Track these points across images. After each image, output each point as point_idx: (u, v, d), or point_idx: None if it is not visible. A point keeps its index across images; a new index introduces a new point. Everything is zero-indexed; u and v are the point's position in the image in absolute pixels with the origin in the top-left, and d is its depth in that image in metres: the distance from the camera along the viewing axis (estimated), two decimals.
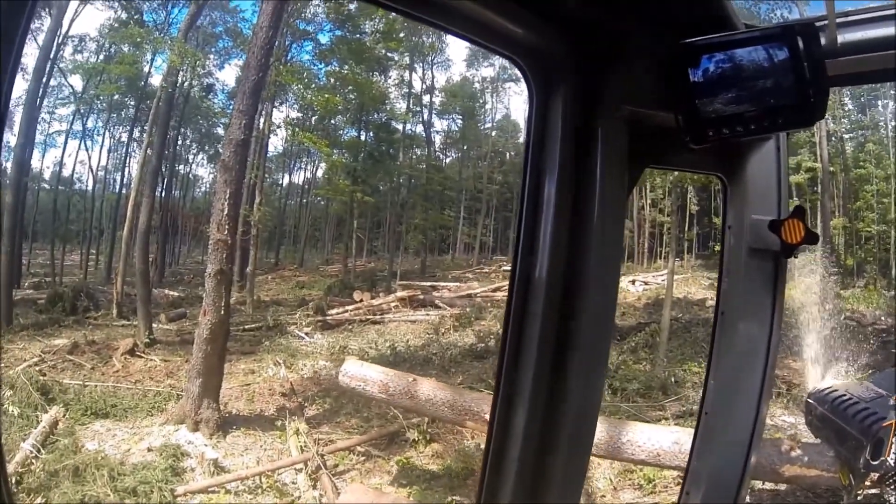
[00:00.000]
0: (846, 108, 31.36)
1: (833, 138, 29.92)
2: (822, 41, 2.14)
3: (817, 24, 2.13)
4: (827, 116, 28.44)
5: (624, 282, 26.38)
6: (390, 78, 34.80)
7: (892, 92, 29.36)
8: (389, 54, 33.61)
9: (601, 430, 8.93)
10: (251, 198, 24.76)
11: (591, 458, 10.62)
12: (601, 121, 1.89)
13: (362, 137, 33.51)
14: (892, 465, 5.29)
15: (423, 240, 35.91)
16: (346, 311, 22.61)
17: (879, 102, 30.90)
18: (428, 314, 22.69)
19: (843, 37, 2.19)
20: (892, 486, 5.43)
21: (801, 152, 28.40)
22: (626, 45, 1.90)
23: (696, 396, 13.51)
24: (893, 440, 5.25)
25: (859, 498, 6.53)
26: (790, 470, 8.00)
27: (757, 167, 2.33)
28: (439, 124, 40.61)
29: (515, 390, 1.86)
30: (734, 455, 2.35)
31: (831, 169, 28.46)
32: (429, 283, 28.55)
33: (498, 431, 1.90)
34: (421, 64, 36.53)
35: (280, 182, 40.62)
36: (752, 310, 2.33)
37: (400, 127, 35.49)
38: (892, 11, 2.21)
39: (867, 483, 5.79)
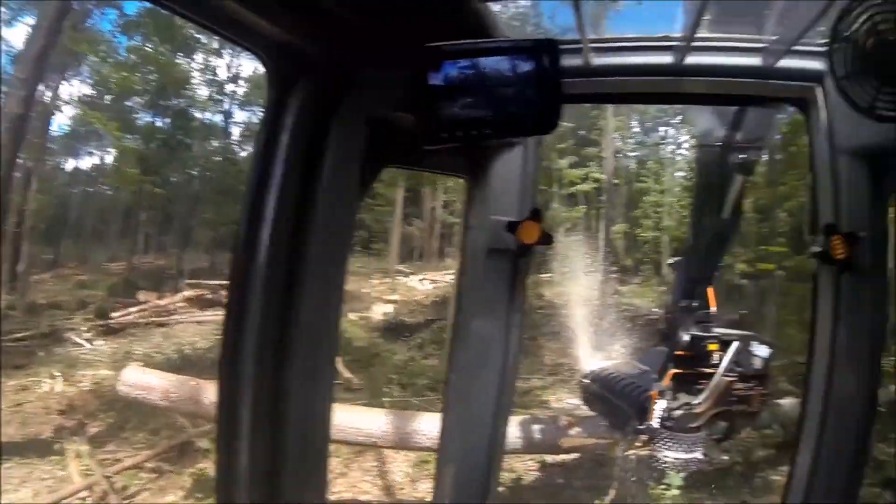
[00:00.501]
0: (632, 130, 34.63)
1: (619, 155, 32.48)
2: (579, 60, 2.41)
3: (572, 44, 2.37)
4: (615, 135, 31.62)
5: (413, 280, 26.68)
6: (195, 61, 31.59)
7: (674, 120, 33.10)
8: (197, 35, 30.17)
9: (388, 424, 9.29)
10: (26, 184, 22.23)
11: (385, 451, 11.00)
12: (338, 119, 1.86)
13: (158, 123, 30.54)
14: (657, 427, 6.12)
15: (215, 236, 32.75)
16: (130, 312, 20.59)
17: (661, 128, 34.25)
18: (216, 314, 20.50)
19: (600, 60, 2.46)
20: (660, 444, 6.25)
21: (590, 164, 30.30)
22: (374, 46, 1.88)
23: None
24: (654, 406, 6.12)
25: (632, 457, 7.56)
26: (569, 441, 9.10)
27: (501, 171, 2.41)
28: (240, 115, 37.50)
29: (238, 386, 1.77)
30: (478, 441, 2.42)
31: (616, 181, 30.75)
32: (218, 282, 25.90)
33: (225, 430, 1.79)
34: (228, 50, 33.20)
35: (63, 167, 35.95)
36: (489, 306, 2.40)
37: (199, 115, 32.37)
38: (640, 43, 2.51)
39: (638, 445, 6.67)
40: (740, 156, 4.32)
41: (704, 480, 8.91)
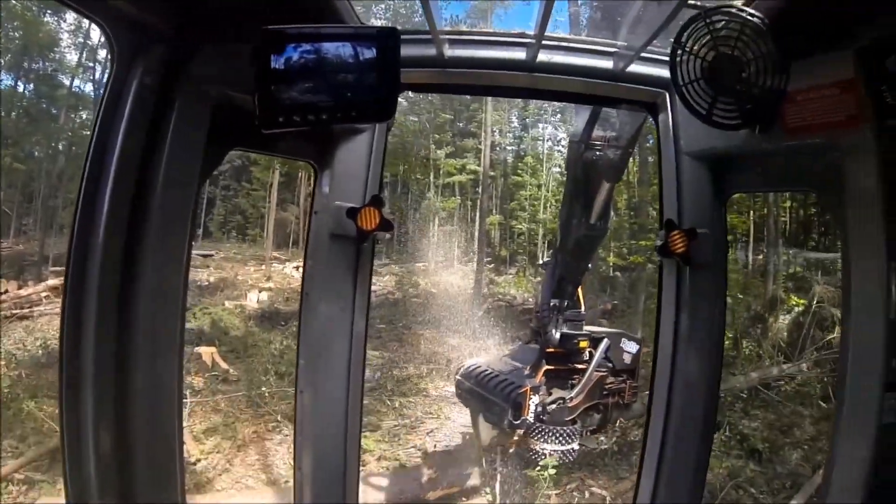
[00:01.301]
0: (512, 125, 35.64)
1: (497, 148, 33.29)
2: (433, 51, 2.44)
3: (426, 34, 2.40)
4: (495, 129, 32.36)
5: (289, 267, 26.05)
6: (65, 21, 28.46)
7: (552, 119, 34.22)
8: None
9: None
10: None
11: (268, 444, 10.81)
12: (181, 97, 1.83)
13: (20, 89, 27.85)
14: (532, 421, 6.27)
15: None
16: None
17: (540, 125, 35.11)
18: None
19: (453, 52, 2.50)
20: (536, 437, 6.40)
21: (467, 156, 31.08)
22: (221, 25, 1.87)
23: None
24: (529, 403, 6.27)
25: (509, 455, 7.72)
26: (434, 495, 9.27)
27: (347, 156, 2.43)
28: None
29: (79, 379, 1.70)
30: (333, 425, 2.44)
31: (492, 174, 31.25)
32: None
33: (69, 426, 1.72)
34: None
35: None
36: (333, 292, 2.43)
37: (67, 82, 29.46)
38: (494, 38, 2.57)
39: (515, 439, 6.84)
40: (597, 153, 4.54)
41: (583, 461, 9.32)
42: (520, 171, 32.50)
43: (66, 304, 1.70)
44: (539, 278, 26.09)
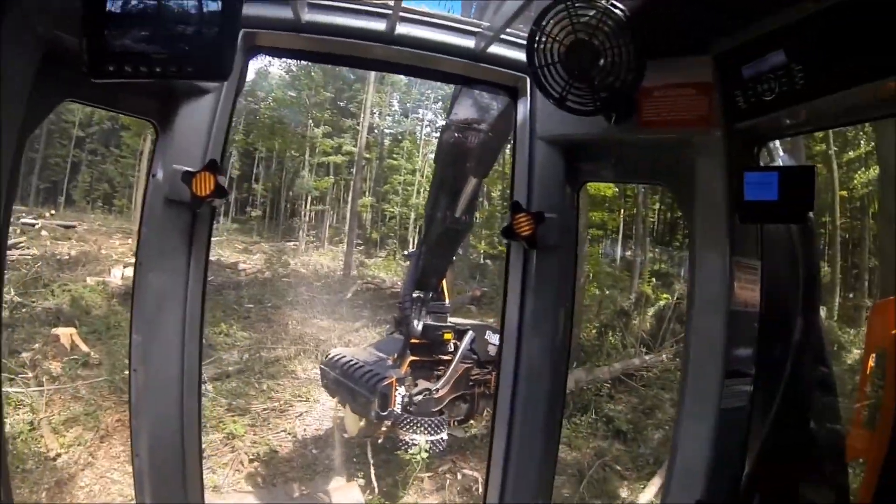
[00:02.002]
0: (392, 108, 35.50)
1: (375, 130, 33.16)
2: (290, 14, 2.33)
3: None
4: (374, 111, 32.10)
5: None
6: None
7: (434, 105, 34.38)
8: None
9: None
10: None
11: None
12: (4, 34, 1.62)
13: None
14: (400, 412, 6.22)
15: None
16: None
17: (420, 111, 35.25)
18: None
19: (311, 16, 2.40)
20: (405, 428, 6.36)
21: (344, 136, 30.66)
22: None
23: (230, 358, 13.75)
24: (395, 394, 6.21)
25: (380, 441, 7.64)
26: None
27: (189, 118, 2.30)
28: None
29: None
30: (168, 404, 2.31)
31: (367, 156, 31.07)
32: None
33: None
34: None
35: None
36: (167, 261, 2.30)
37: None
38: (354, 6, 2.47)
39: (384, 429, 6.77)
40: (464, 139, 4.53)
41: (454, 444, 9.47)
42: (395, 155, 32.62)
43: None
44: (406, 263, 26.43)
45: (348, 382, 6.50)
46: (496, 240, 23.10)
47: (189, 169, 2.23)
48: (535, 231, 2.55)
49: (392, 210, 31.78)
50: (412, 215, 30.74)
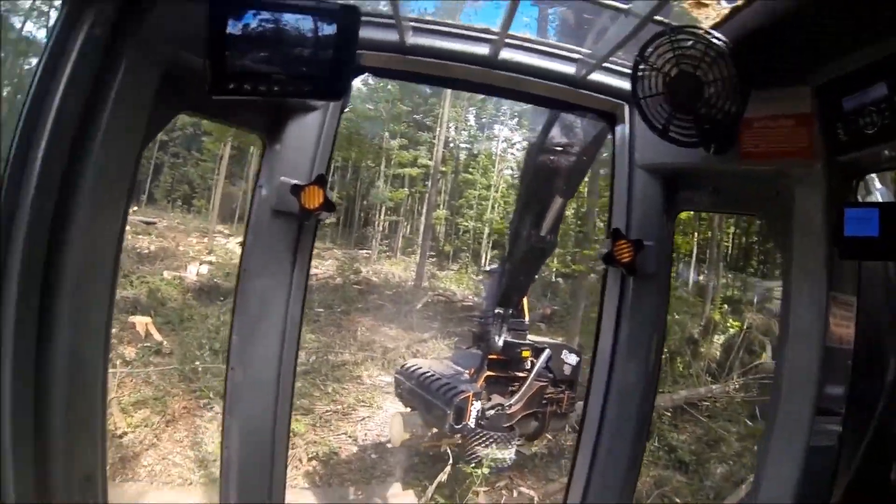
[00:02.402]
0: (468, 123, 35.60)
1: (451, 144, 33.30)
2: (395, 36, 2.41)
3: (389, 19, 2.36)
4: (451, 125, 32.36)
5: (232, 243, 25.16)
6: None
7: (510, 121, 34.36)
8: None
9: None
10: None
11: (198, 421, 10.55)
12: (130, 53, 1.73)
13: None
14: (472, 426, 6.29)
15: None
16: None
17: (496, 126, 35.08)
18: None
19: (415, 39, 2.47)
20: (475, 442, 6.43)
21: (420, 149, 30.72)
22: None
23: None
24: (471, 408, 6.29)
25: (444, 448, 7.73)
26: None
27: (297, 132, 2.39)
28: None
29: None
30: (263, 405, 2.39)
31: (443, 169, 31.21)
32: None
33: None
34: None
35: None
36: (271, 268, 2.39)
37: (18, 25, 27.95)
38: (458, 31, 2.54)
39: (457, 440, 6.85)
40: (553, 160, 4.58)
41: (514, 461, 9.51)
42: (471, 170, 32.53)
43: None
44: (480, 277, 26.42)
45: (424, 393, 6.56)
46: (569, 258, 22.81)
47: (297, 182, 2.33)
48: (635, 258, 2.57)
49: (466, 224, 31.61)
50: (485, 230, 30.65)
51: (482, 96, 33.07)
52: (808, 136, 2.22)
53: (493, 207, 31.10)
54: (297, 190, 2.32)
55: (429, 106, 32.40)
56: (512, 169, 32.74)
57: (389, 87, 30.07)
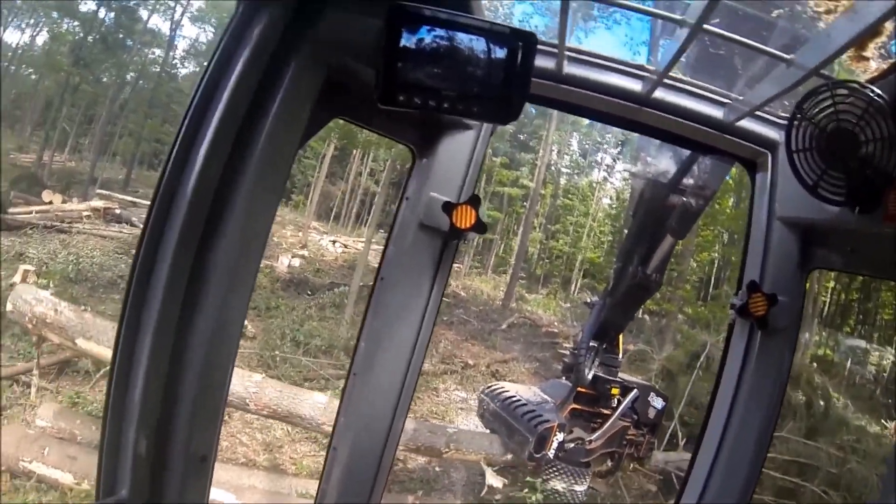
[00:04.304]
0: (571, 148, 35.39)
1: (552, 168, 33.20)
2: (552, 64, 2.44)
3: (549, 47, 2.40)
4: (553, 149, 32.25)
5: (325, 240, 26.12)
6: None
7: (613, 150, 33.94)
8: None
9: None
10: None
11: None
12: (299, 57, 1.79)
13: (101, 14, 27.99)
14: (551, 457, 6.30)
15: (135, 149, 30.46)
16: (32, 211, 18.63)
17: (599, 154, 34.95)
18: (122, 231, 19.50)
19: (571, 69, 2.48)
20: (550, 472, 6.45)
21: (522, 170, 30.95)
22: None
23: None
24: (553, 438, 6.30)
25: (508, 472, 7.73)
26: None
27: (450, 149, 2.40)
28: (189, 29, 35.90)
29: (140, 325, 1.68)
30: (380, 412, 2.41)
31: (542, 192, 30.93)
32: (130, 198, 24.02)
33: (123, 351, 1.69)
34: None
35: None
36: (411, 281, 2.38)
37: (146, 17, 30.12)
38: (614, 65, 2.54)
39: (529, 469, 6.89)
40: (673, 200, 4.50)
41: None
42: (570, 196, 32.27)
43: (146, 232, 1.68)
44: (569, 304, 26.13)
45: (508, 417, 6.55)
46: (659, 295, 22.20)
47: (449, 200, 2.34)
48: (768, 312, 2.51)
49: (560, 249, 31.38)
50: (579, 258, 30.29)
51: (587, 122, 32.89)
52: None
53: (588, 235, 30.73)
54: (448, 207, 2.32)
55: (533, 127, 32.45)
56: (610, 199, 32.25)
57: None
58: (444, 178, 2.41)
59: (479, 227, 2.34)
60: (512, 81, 1.78)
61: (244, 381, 8.88)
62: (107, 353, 8.65)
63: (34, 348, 10.27)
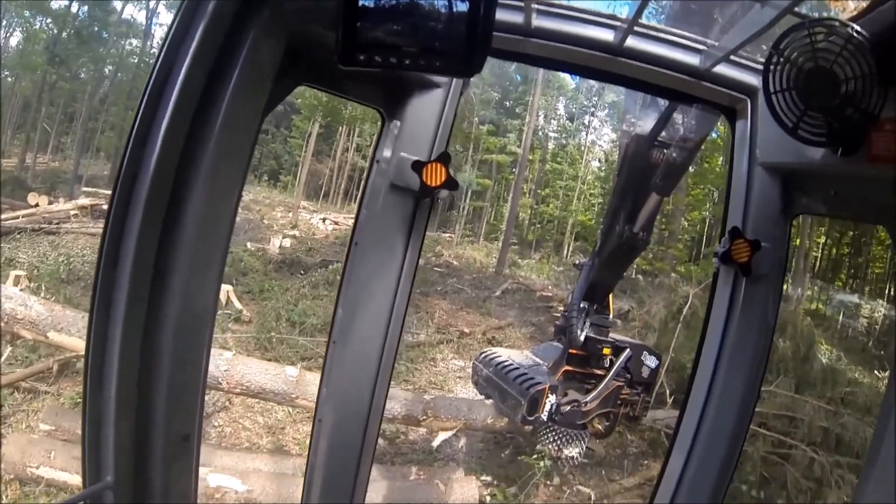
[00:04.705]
0: (557, 112, 35.24)
1: (539, 133, 33.11)
2: (521, 19, 2.37)
3: (517, 1, 2.34)
4: (540, 113, 32.12)
5: (315, 219, 26.05)
6: None
7: (600, 112, 33.85)
8: None
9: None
10: None
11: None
12: (257, 26, 1.74)
13: (73, 9, 27.79)
14: (545, 420, 6.33)
15: (118, 143, 29.46)
16: (18, 216, 18.51)
17: (586, 117, 34.88)
18: None
19: (540, 22, 2.41)
20: (545, 436, 6.48)
21: (509, 136, 30.83)
22: None
23: None
24: (546, 401, 6.31)
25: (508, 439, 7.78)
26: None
27: (418, 109, 2.36)
28: (166, 17, 33.42)
29: (110, 311, 1.65)
30: (361, 381, 2.39)
31: (530, 157, 30.88)
32: None
33: (95, 342, 1.66)
34: None
35: None
36: (385, 243, 2.36)
37: (119, 7, 30.08)
38: (585, 15, 2.48)
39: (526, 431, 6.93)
40: (658, 155, 4.44)
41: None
42: (559, 160, 32.21)
43: (109, 221, 1.64)
44: (562, 268, 26.21)
45: (500, 382, 6.57)
46: (651, 255, 22.32)
47: (419, 159, 2.31)
48: (752, 258, 2.49)
49: (550, 213, 31.41)
50: (570, 221, 30.33)
51: (572, 84, 32.69)
52: None
53: (578, 198, 30.76)
54: (418, 166, 2.30)
55: (518, 93, 32.25)
56: (599, 161, 32.21)
57: (482, 73, 30.09)
58: (415, 138, 2.37)
59: (451, 183, 2.31)
60: (474, 34, 1.73)
61: (215, 360, 8.80)
62: (80, 343, 8.64)
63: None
